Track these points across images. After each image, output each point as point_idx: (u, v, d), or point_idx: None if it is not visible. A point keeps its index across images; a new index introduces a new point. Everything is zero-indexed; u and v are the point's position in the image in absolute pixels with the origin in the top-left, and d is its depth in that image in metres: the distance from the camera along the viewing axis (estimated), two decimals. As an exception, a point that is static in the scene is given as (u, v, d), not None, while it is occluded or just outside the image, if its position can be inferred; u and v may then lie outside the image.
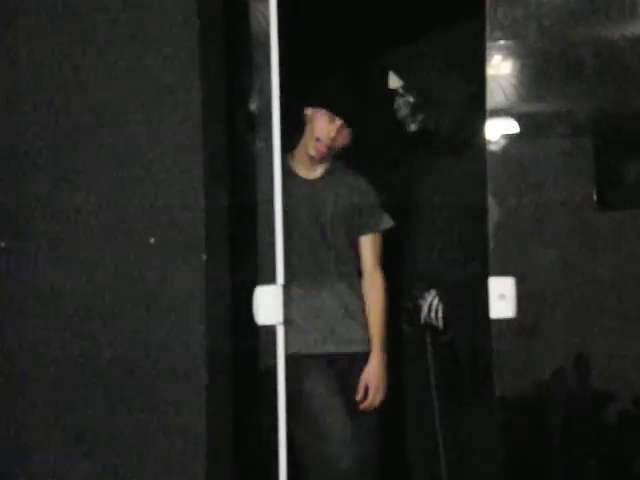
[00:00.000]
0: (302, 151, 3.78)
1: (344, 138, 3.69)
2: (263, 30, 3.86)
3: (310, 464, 3.70)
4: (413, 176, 4.42)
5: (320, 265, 3.79)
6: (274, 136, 3.81)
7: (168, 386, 3.65)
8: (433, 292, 4.00)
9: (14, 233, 3.81)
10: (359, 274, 3.89)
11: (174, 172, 3.73)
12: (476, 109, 3.78)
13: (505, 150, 3.78)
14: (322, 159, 3.75)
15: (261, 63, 3.86)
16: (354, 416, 3.71)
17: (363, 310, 3.81)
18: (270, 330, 3.77)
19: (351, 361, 3.79)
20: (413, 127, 4.14)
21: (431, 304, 4.02)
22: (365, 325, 3.79)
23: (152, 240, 3.69)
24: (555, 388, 3.76)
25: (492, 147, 3.75)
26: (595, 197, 3.90)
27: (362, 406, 3.71)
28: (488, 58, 3.65)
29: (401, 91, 4.14)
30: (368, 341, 3.79)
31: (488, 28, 3.63)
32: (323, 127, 3.66)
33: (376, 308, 3.78)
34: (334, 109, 3.68)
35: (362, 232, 3.82)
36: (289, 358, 3.61)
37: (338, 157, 3.97)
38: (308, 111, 3.76)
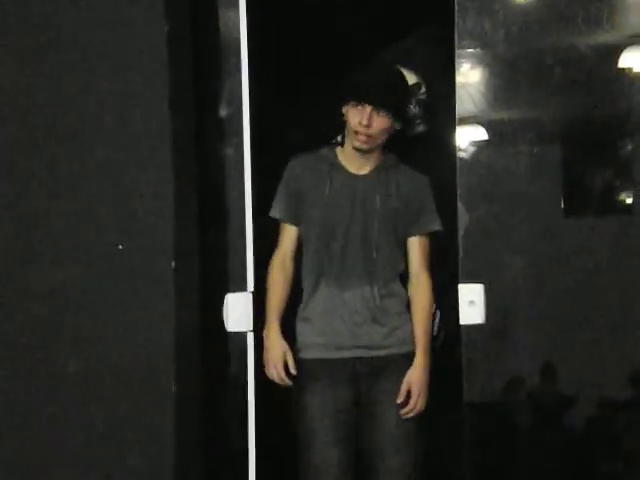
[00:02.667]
0: (348, 147, 3.67)
1: (381, 124, 3.57)
2: (232, 36, 3.89)
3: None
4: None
5: (352, 266, 3.65)
6: (244, 142, 3.87)
7: (136, 392, 3.67)
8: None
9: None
10: (400, 276, 3.71)
11: (143, 180, 3.77)
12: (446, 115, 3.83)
13: (474, 157, 3.85)
14: (368, 149, 3.63)
15: (230, 69, 3.90)
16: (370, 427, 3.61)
17: (391, 314, 3.67)
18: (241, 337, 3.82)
19: (370, 366, 3.65)
20: (420, 128, 4.06)
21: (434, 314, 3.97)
22: (390, 330, 3.65)
23: (120, 246, 3.72)
24: (523, 392, 3.83)
25: (462, 154, 3.84)
26: (562, 204, 3.98)
27: (404, 411, 3.57)
28: (457, 66, 3.75)
29: (417, 89, 4.04)
30: (392, 347, 3.66)
31: (457, 37, 3.73)
32: (355, 117, 3.58)
33: (422, 310, 3.67)
34: (358, 95, 3.62)
35: (412, 232, 3.70)
36: (304, 363, 3.57)
37: (389, 152, 3.80)
38: (343, 109, 3.68)
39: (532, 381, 3.84)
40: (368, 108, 3.53)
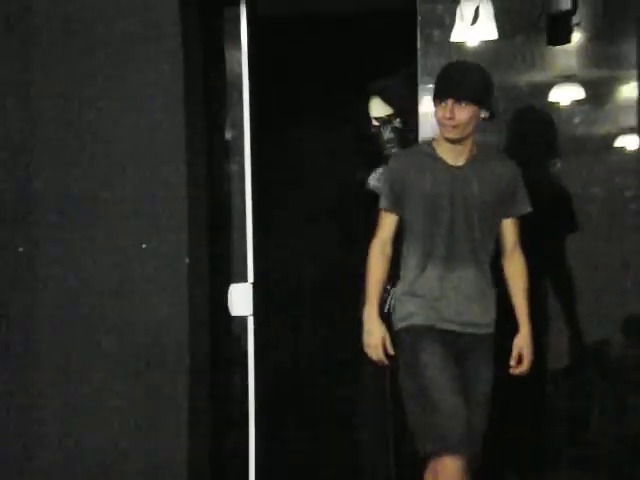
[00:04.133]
0: (443, 140, 3.64)
1: (464, 114, 3.56)
2: (236, 72, 4.19)
3: (420, 434, 3.57)
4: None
5: (457, 248, 3.62)
6: (246, 159, 4.16)
7: (157, 364, 3.98)
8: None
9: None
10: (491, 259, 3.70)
11: (163, 191, 4.05)
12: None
13: None
14: (457, 139, 3.61)
15: (234, 99, 4.19)
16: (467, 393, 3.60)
17: (490, 293, 3.67)
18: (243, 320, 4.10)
19: (471, 342, 3.64)
20: (394, 150, 4.11)
21: None
22: (490, 309, 3.66)
23: (143, 246, 4.05)
24: None
25: None
26: None
27: (516, 371, 3.63)
28: (420, 98, 4.08)
29: (393, 118, 4.11)
30: (489, 325, 3.66)
31: (420, 74, 4.08)
32: (440, 112, 3.60)
33: (519, 282, 3.68)
34: (438, 92, 3.62)
35: (507, 215, 3.67)
36: (413, 328, 3.59)
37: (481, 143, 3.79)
38: (434, 108, 3.68)
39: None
40: (449, 102, 3.54)
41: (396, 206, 3.64)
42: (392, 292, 3.92)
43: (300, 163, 4.61)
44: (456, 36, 4.10)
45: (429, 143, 3.68)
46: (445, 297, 3.58)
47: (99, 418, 4.03)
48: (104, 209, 4.10)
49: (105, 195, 4.10)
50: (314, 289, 4.47)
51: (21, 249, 4.11)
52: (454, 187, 3.59)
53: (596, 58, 4.09)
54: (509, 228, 3.68)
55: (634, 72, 4.01)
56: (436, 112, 3.61)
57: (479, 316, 3.61)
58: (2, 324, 4.13)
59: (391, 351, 3.59)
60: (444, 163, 3.63)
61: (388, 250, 3.65)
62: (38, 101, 4.13)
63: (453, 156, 3.62)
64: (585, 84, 4.11)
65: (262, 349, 4.09)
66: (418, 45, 4.04)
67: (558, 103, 4.15)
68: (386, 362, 3.61)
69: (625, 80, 4.04)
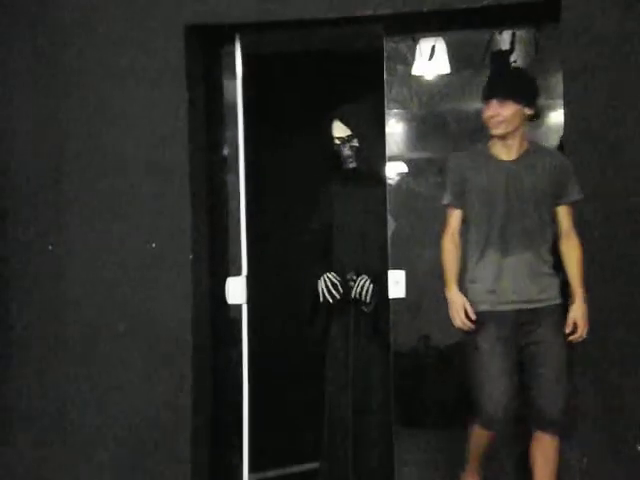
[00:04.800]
0: (494, 139, 3.67)
1: (507, 111, 3.57)
2: (233, 100, 4.37)
3: (475, 405, 3.69)
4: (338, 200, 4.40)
5: (513, 236, 3.62)
6: (240, 173, 4.35)
7: (165, 344, 4.24)
8: (365, 276, 4.19)
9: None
10: (546, 241, 3.68)
11: (170, 200, 4.28)
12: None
13: (398, 184, 4.32)
14: (504, 134, 3.61)
15: (230, 122, 4.36)
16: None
17: (546, 274, 3.66)
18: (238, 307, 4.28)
19: (531, 317, 3.65)
20: (352, 165, 4.23)
21: (363, 285, 4.17)
22: (548, 288, 3.65)
23: (153, 245, 4.32)
24: (429, 344, 4.33)
25: (390, 181, 4.32)
26: None
27: (572, 338, 3.63)
28: (387, 121, 4.26)
29: (351, 138, 4.22)
30: (547, 300, 3.66)
31: (386, 101, 4.26)
32: (486, 112, 3.65)
33: (574, 259, 3.67)
34: (483, 93, 3.66)
35: (560, 203, 3.66)
36: (476, 315, 3.65)
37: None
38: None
39: (434, 337, 4.33)
40: (494, 101, 3.62)
41: (458, 201, 3.71)
42: (358, 280, 4.17)
43: (286, 174, 4.71)
44: (416, 70, 4.29)
45: (483, 143, 3.75)
46: (502, 280, 3.62)
47: (116, 386, 4.31)
48: (120, 215, 4.34)
49: (121, 204, 4.36)
50: (298, 281, 4.46)
51: (50, 247, 4.41)
52: (508, 180, 3.62)
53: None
54: (563, 214, 3.70)
55: (560, 101, 4.10)
56: (484, 113, 3.68)
57: (536, 294, 3.65)
58: (33, 311, 4.41)
59: (472, 315, 3.65)
60: (497, 159, 3.66)
61: (457, 240, 3.72)
62: (66, 122, 4.39)
63: (505, 152, 3.65)
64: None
65: (254, 331, 4.33)
66: (385, 77, 4.24)
67: (500, 126, 4.17)
68: (471, 325, 3.65)
69: (553, 107, 4.17)
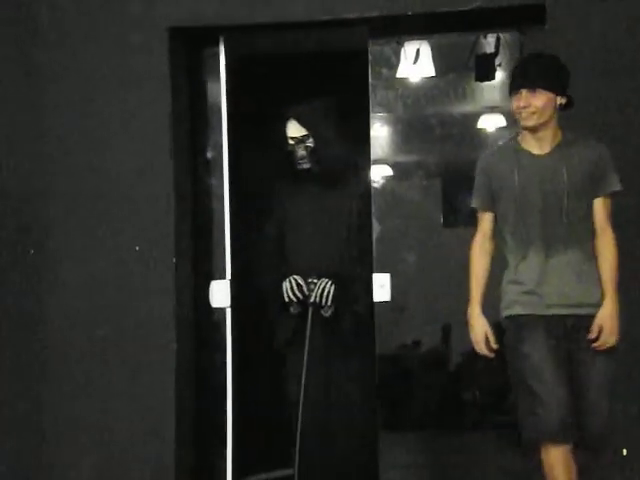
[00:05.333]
0: (524, 132, 3.46)
1: (538, 101, 3.36)
2: (217, 102, 4.39)
3: (524, 422, 3.42)
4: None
5: (554, 233, 3.41)
6: (224, 175, 4.37)
7: (148, 349, 4.26)
8: (325, 279, 4.10)
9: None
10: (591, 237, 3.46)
11: (154, 204, 4.30)
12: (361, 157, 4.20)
13: (383, 187, 4.45)
14: (534, 126, 3.41)
15: (214, 125, 4.40)
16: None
17: (594, 274, 3.44)
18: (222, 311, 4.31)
19: (579, 323, 3.42)
20: (306, 166, 4.10)
21: (324, 288, 4.06)
22: (595, 289, 3.43)
23: (137, 248, 4.35)
24: (415, 349, 4.46)
25: (375, 185, 4.37)
26: (442, 219, 4.60)
27: (595, 345, 3.37)
28: (372, 125, 4.27)
29: (306, 138, 4.10)
30: (597, 305, 3.41)
31: (371, 105, 4.27)
32: (515, 103, 3.42)
33: (609, 260, 3.43)
34: (511, 84, 3.46)
35: (597, 195, 3.44)
36: (515, 317, 3.41)
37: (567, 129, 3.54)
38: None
39: (422, 341, 4.44)
40: (523, 91, 3.36)
41: (488, 204, 3.51)
42: (319, 283, 4.06)
43: (271, 177, 4.59)
44: (401, 73, 4.40)
45: (513, 138, 3.53)
46: (547, 282, 3.42)
47: (98, 389, 4.35)
48: (104, 218, 4.39)
49: (105, 206, 4.39)
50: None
51: (32, 251, 4.44)
52: (542, 175, 3.43)
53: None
54: (599, 206, 3.48)
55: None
56: (512, 105, 3.44)
57: (583, 297, 3.43)
58: (15, 316, 4.43)
59: (494, 345, 3.45)
60: (529, 154, 3.46)
61: (488, 246, 3.52)
62: (48, 126, 4.42)
63: (538, 145, 3.46)
64: (506, 114, 4.33)
65: (238, 334, 4.37)
66: (370, 80, 4.25)
67: (485, 129, 4.44)
68: (491, 355, 3.46)
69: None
